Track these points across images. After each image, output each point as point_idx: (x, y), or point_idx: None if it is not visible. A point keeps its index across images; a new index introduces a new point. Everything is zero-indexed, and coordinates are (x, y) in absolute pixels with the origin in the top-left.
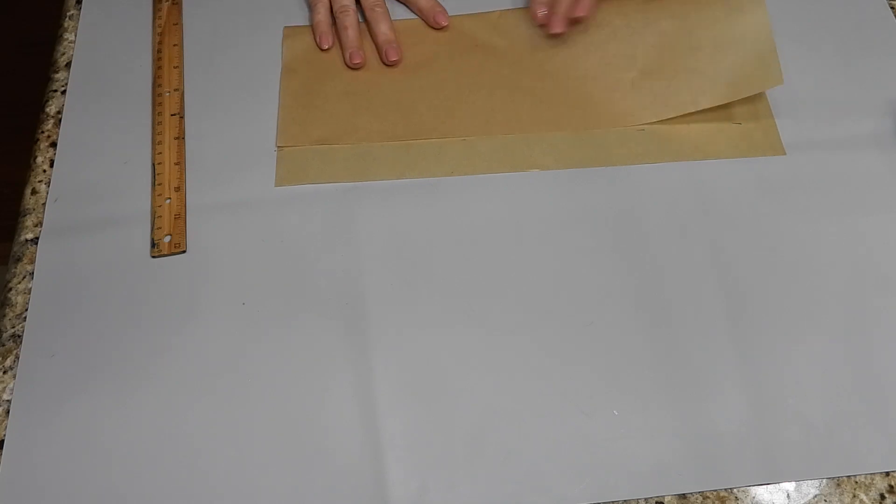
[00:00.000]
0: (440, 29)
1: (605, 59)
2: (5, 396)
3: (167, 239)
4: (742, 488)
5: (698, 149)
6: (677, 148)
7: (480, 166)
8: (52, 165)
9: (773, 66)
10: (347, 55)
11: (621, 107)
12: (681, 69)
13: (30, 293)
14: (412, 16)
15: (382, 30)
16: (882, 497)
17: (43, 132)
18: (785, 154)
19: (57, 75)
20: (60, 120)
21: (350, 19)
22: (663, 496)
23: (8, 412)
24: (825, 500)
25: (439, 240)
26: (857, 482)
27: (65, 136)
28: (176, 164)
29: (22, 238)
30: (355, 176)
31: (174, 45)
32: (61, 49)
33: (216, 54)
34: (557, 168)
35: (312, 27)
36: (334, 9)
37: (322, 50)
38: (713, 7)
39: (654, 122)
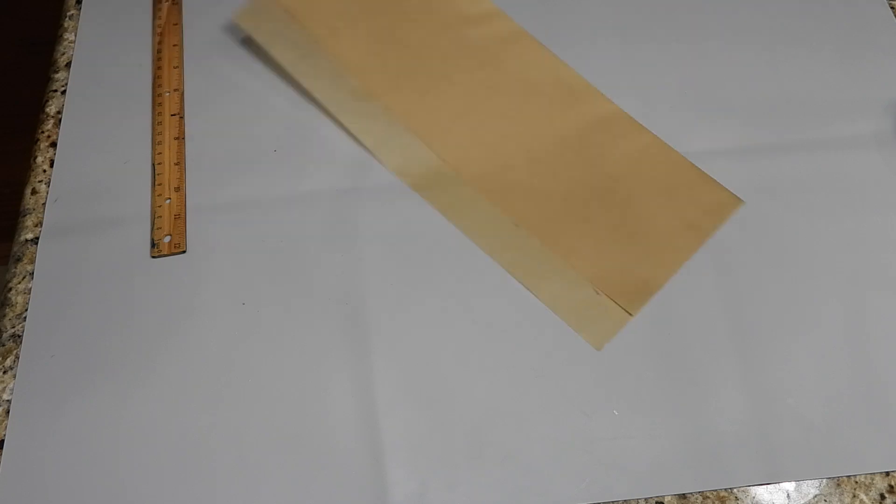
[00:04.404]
0: None
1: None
2: (5, 396)
3: (167, 239)
4: (742, 488)
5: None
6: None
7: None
8: (52, 165)
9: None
10: None
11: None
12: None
13: (30, 293)
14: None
15: None
16: (882, 497)
17: (43, 132)
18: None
19: (57, 75)
20: (60, 120)
21: None
22: (663, 496)
23: (8, 412)
24: (825, 500)
25: (440, 240)
26: (857, 482)
27: (65, 136)
28: (176, 164)
29: (22, 238)
30: (298, 72)
31: (174, 45)
32: (61, 49)
33: (216, 54)
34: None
35: None
36: None
37: None
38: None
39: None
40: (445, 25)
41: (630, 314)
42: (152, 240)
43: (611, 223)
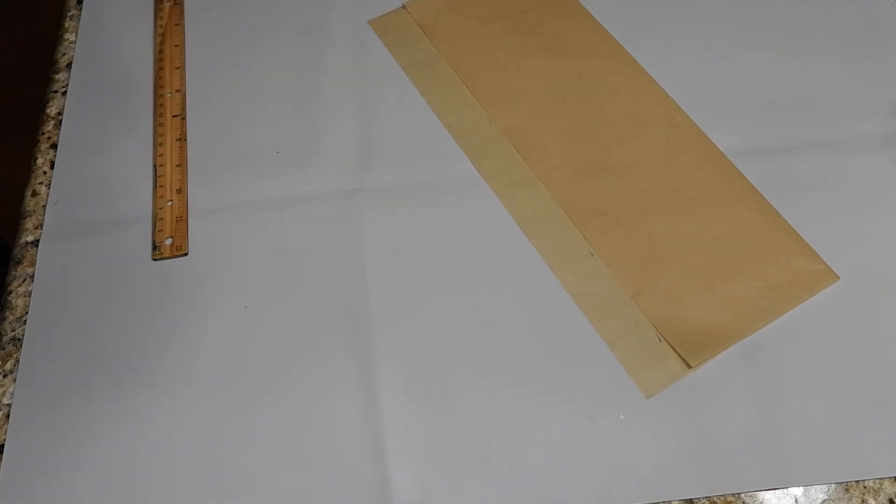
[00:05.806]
0: None
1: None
2: (5, 400)
3: (169, 241)
4: (749, 493)
5: None
6: None
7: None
8: (52, 167)
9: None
10: None
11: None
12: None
13: (30, 296)
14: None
15: None
16: (891, 502)
17: (43, 133)
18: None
19: (57, 76)
20: (61, 121)
21: None
22: (670, 501)
23: (8, 416)
24: None
25: (442, 242)
26: (865, 487)
27: (65, 137)
28: (178, 165)
29: (22, 240)
30: (416, 80)
31: (176, 46)
32: (62, 50)
33: (218, 55)
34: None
35: None
36: None
37: None
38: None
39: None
40: (564, 54)
41: (689, 366)
42: (154, 242)
43: (689, 269)
